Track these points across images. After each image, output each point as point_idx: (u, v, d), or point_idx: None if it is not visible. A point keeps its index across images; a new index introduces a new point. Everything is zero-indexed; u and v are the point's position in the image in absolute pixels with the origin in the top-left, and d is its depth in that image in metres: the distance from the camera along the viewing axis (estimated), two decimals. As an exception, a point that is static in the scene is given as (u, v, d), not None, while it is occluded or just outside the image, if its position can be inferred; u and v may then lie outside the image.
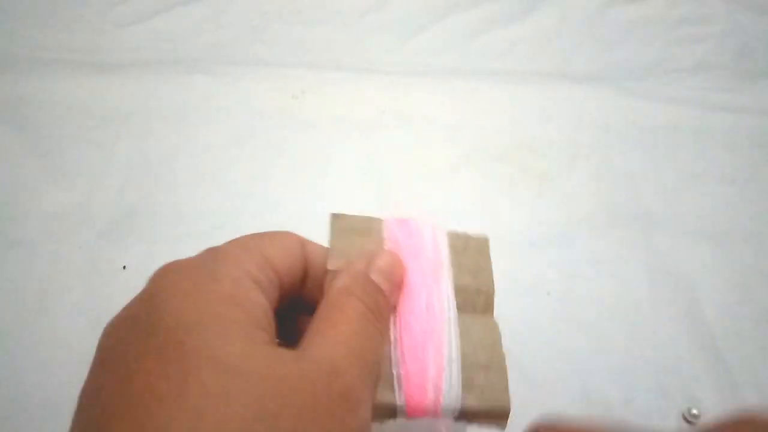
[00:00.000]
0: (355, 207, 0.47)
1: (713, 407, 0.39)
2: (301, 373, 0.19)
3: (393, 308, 0.25)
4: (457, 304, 0.26)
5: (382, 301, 0.24)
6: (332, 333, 0.21)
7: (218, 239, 0.47)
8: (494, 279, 0.27)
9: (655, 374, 0.40)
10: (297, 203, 0.48)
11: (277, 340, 0.22)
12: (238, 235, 0.46)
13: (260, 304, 0.21)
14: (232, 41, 0.60)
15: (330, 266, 0.25)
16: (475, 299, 0.26)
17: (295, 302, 0.26)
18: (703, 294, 0.44)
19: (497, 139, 0.53)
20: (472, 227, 0.47)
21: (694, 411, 0.38)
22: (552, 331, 0.42)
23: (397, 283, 0.25)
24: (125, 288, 0.42)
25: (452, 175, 0.50)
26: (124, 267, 0.43)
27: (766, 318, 0.43)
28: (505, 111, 0.55)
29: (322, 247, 0.26)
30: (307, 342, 0.21)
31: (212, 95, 0.54)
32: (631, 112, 0.55)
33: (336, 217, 0.27)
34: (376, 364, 0.22)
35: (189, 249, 0.48)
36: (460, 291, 0.26)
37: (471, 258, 0.27)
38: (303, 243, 0.26)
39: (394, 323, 0.24)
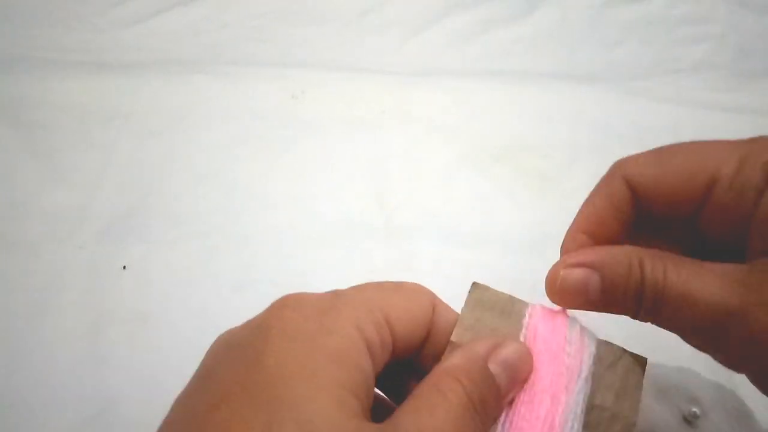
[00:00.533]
0: (355, 207, 0.47)
1: (713, 407, 0.39)
2: None
3: (507, 406, 0.23)
4: (588, 422, 0.23)
5: (491, 396, 0.22)
6: (425, 417, 0.20)
7: (218, 239, 0.47)
8: (639, 408, 0.24)
9: (655, 374, 0.40)
10: (297, 203, 0.48)
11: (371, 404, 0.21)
12: (237, 236, 0.46)
13: (364, 370, 0.20)
14: (232, 41, 0.60)
15: (454, 338, 0.23)
16: (610, 424, 0.23)
17: (410, 363, 0.24)
18: (703, 294, 0.44)
19: (497, 139, 0.53)
20: (472, 227, 0.47)
21: (694, 410, 0.38)
22: (552, 331, 0.42)
23: (519, 380, 0.23)
24: (125, 288, 0.43)
25: (452, 175, 0.50)
26: (124, 267, 0.43)
27: (766, 318, 0.44)
28: (505, 111, 0.55)
29: (454, 313, 0.25)
30: (398, 420, 0.20)
31: (212, 95, 0.54)
32: (631, 112, 0.55)
33: (477, 287, 0.25)
34: None
35: (189, 249, 0.48)
36: (593, 410, 0.23)
37: (618, 377, 0.24)
38: (434, 304, 0.24)
39: (505, 420, 0.22)
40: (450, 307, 0.25)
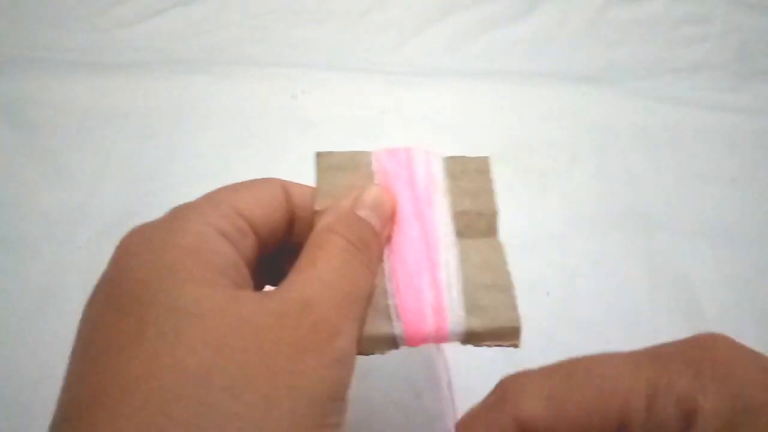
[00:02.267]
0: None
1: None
2: (266, 311, 0.19)
3: (387, 241, 0.25)
4: (459, 230, 0.25)
5: (368, 234, 0.23)
6: (309, 270, 0.21)
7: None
8: (496, 199, 0.26)
9: (655, 374, 0.40)
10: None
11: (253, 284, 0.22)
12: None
13: (224, 254, 0.21)
14: (232, 41, 0.60)
15: (317, 207, 0.25)
16: (476, 222, 0.26)
17: (286, 248, 0.25)
18: (703, 294, 0.44)
19: (497, 139, 0.53)
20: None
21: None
22: (552, 331, 0.42)
23: (387, 215, 0.25)
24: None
25: (452, 175, 0.50)
26: (124, 267, 0.43)
27: (766, 318, 0.44)
28: (505, 111, 0.55)
29: (310, 188, 0.26)
30: (284, 283, 0.20)
31: (212, 95, 0.54)
32: (631, 112, 0.55)
33: (321, 155, 0.27)
34: (360, 297, 0.22)
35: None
36: (460, 216, 0.26)
37: (471, 181, 0.27)
38: (286, 186, 0.25)
39: (388, 256, 0.24)
40: (305, 185, 0.26)
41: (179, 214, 0.22)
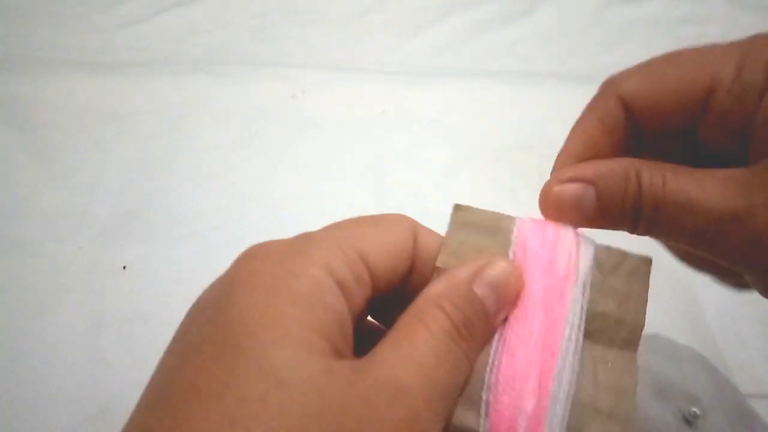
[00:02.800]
0: (355, 206, 0.47)
1: (713, 407, 0.39)
2: (357, 391, 0.18)
3: (499, 326, 0.22)
4: (591, 333, 0.22)
5: (478, 318, 0.21)
6: (405, 348, 0.19)
7: (218, 239, 0.47)
8: (646, 311, 0.22)
9: (655, 374, 0.40)
10: (297, 203, 0.48)
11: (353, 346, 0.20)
12: (237, 236, 0.46)
13: (335, 310, 0.19)
14: (232, 41, 0.60)
15: (438, 263, 0.22)
16: (615, 330, 0.22)
17: (400, 295, 0.23)
18: (703, 294, 0.44)
19: (497, 139, 0.53)
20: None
21: (694, 410, 0.38)
22: (552, 331, 0.42)
23: (508, 299, 0.22)
24: (125, 288, 0.43)
25: (452, 175, 0.50)
26: (124, 267, 0.43)
27: (766, 318, 0.44)
28: (505, 111, 0.55)
29: (439, 237, 0.23)
30: (376, 354, 0.19)
31: (212, 95, 0.54)
32: (631, 112, 0.55)
33: (459, 208, 0.24)
34: (454, 391, 0.20)
35: (189, 249, 0.48)
36: (596, 318, 0.22)
37: (621, 280, 0.23)
38: (416, 232, 0.23)
39: (498, 341, 0.21)
40: (435, 233, 0.24)
41: (305, 248, 0.20)
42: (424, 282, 0.22)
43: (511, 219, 0.24)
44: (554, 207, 0.24)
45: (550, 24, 0.63)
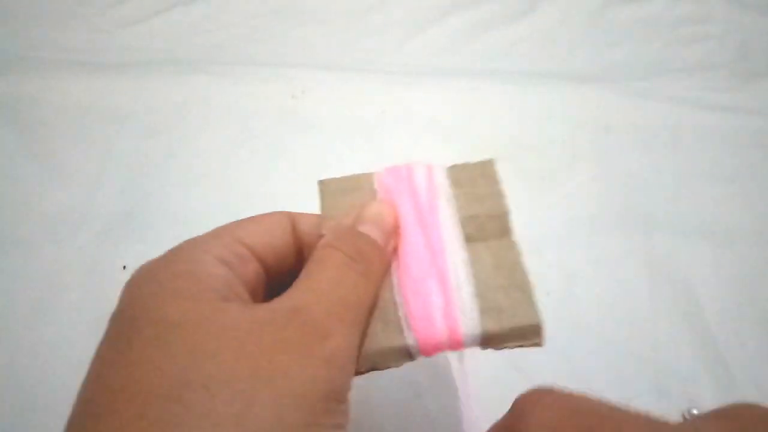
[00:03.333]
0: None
1: (713, 407, 0.39)
2: (250, 317, 0.19)
3: (393, 254, 0.25)
4: (469, 235, 0.25)
5: (368, 247, 0.23)
6: (303, 282, 0.21)
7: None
8: (506, 200, 0.26)
9: (655, 374, 0.40)
10: (297, 203, 0.47)
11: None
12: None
13: (218, 275, 0.21)
14: (233, 41, 0.60)
15: (323, 231, 0.25)
16: (488, 225, 0.25)
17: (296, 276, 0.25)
18: (703, 294, 0.44)
19: (497, 139, 0.53)
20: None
21: (695, 411, 0.38)
22: (552, 331, 0.42)
23: (389, 228, 0.25)
24: (125, 288, 0.42)
25: (452, 175, 0.50)
26: (124, 267, 0.43)
27: (766, 318, 0.43)
28: (505, 111, 0.55)
29: (317, 216, 0.26)
30: (282, 296, 0.21)
31: (212, 95, 0.54)
32: (631, 112, 0.55)
33: (323, 183, 0.27)
34: (356, 303, 0.22)
35: (189, 249, 0.47)
36: (469, 220, 0.25)
37: (477, 186, 0.26)
38: (293, 217, 0.26)
39: (395, 269, 0.24)
40: (311, 214, 0.26)
41: (182, 245, 0.23)
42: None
43: (369, 175, 0.27)
44: None
45: (550, 24, 0.63)
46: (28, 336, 0.39)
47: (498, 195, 0.26)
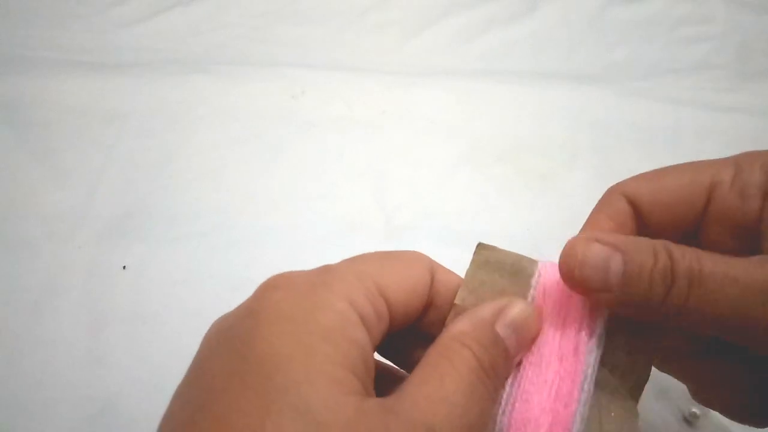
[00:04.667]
0: (355, 207, 0.47)
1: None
2: (370, 424, 0.18)
3: (515, 369, 0.22)
4: (599, 381, 0.22)
5: (501, 358, 0.21)
6: (434, 387, 0.19)
7: (218, 239, 0.47)
8: (651, 365, 0.23)
9: (655, 374, 0.40)
10: (297, 203, 0.48)
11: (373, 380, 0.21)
12: (237, 236, 0.46)
13: (359, 344, 0.20)
14: (232, 41, 0.60)
15: (457, 300, 0.22)
16: (621, 381, 0.22)
17: (414, 330, 0.23)
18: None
19: (497, 139, 0.53)
20: (472, 227, 0.47)
21: (694, 410, 0.38)
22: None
23: (527, 341, 0.22)
24: (125, 288, 0.43)
25: (452, 175, 0.50)
26: (124, 267, 0.43)
27: (766, 318, 0.43)
28: (505, 111, 0.55)
29: (456, 277, 0.24)
30: (405, 392, 0.19)
31: (212, 95, 0.54)
32: (631, 112, 0.55)
33: (481, 247, 0.24)
34: (481, 423, 0.20)
35: (188, 249, 0.48)
36: (606, 366, 0.22)
37: (631, 334, 0.23)
38: (433, 269, 0.24)
39: (512, 384, 0.22)
40: (452, 272, 0.24)
41: (327, 279, 0.21)
42: (441, 319, 0.22)
43: (533, 262, 0.24)
44: (579, 265, 0.22)
45: (550, 24, 0.63)
46: (28, 336, 0.39)
47: (648, 357, 0.23)
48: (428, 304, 0.23)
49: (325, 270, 0.21)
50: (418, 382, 0.19)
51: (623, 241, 0.22)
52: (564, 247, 0.23)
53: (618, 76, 0.59)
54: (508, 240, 0.46)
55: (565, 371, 0.22)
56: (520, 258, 0.24)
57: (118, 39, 0.59)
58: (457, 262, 0.44)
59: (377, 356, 0.23)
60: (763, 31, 0.63)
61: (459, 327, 0.21)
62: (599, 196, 0.49)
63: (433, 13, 0.64)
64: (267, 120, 0.53)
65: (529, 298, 0.23)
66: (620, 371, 0.22)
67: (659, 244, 0.22)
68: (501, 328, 0.21)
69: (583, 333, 0.22)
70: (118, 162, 0.49)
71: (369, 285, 0.21)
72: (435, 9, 0.64)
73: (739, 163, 0.24)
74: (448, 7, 0.64)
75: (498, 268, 0.23)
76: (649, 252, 0.21)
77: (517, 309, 0.22)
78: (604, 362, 0.22)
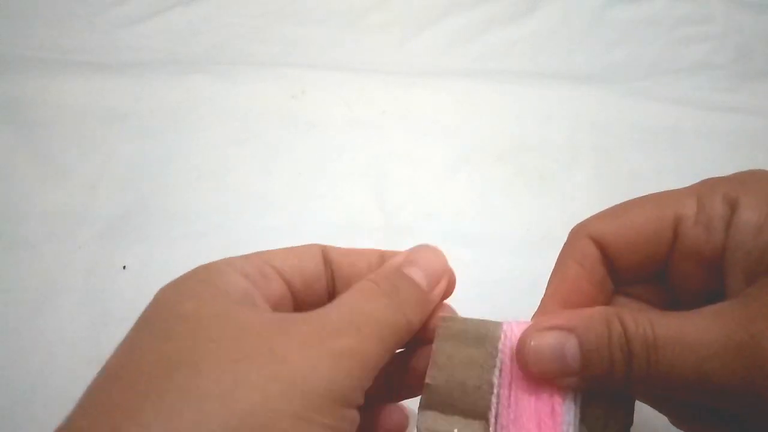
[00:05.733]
0: (355, 207, 0.47)
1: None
2: (263, 317, 0.20)
3: (435, 305, 0.25)
4: (584, 418, 0.22)
5: (405, 286, 0.23)
6: (335, 302, 0.22)
7: (218, 239, 0.47)
8: (633, 410, 0.23)
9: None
10: (297, 203, 0.48)
11: None
12: (237, 237, 0.46)
13: (239, 286, 0.22)
14: (232, 41, 0.60)
15: (428, 379, 0.23)
16: (606, 422, 0.22)
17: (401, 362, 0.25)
18: (703, 294, 0.44)
19: (497, 139, 0.53)
20: (472, 227, 0.47)
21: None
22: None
23: (437, 274, 0.24)
24: (125, 288, 0.43)
25: (452, 175, 0.50)
26: (124, 267, 0.43)
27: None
28: (505, 111, 0.55)
29: (347, 249, 0.26)
30: (318, 310, 0.22)
31: (212, 95, 0.54)
32: (631, 112, 0.55)
33: (444, 320, 0.24)
34: (377, 320, 0.21)
35: (188, 249, 0.48)
36: (585, 419, 0.22)
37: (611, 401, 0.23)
38: (323, 247, 0.26)
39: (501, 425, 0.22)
40: (342, 247, 0.26)
41: (212, 262, 0.24)
42: (350, 282, 0.25)
43: (497, 325, 0.23)
44: (534, 358, 0.22)
45: (550, 24, 0.63)
46: (29, 336, 0.39)
47: (629, 404, 0.23)
48: (332, 276, 0.26)
49: (210, 262, 0.25)
50: (329, 305, 0.22)
51: (575, 319, 0.22)
52: (517, 342, 0.22)
53: (618, 76, 0.59)
54: (509, 240, 0.46)
55: (544, 420, 0.22)
56: (483, 323, 0.24)
57: (118, 39, 0.59)
58: (457, 261, 0.44)
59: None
60: (763, 31, 0.63)
61: (367, 276, 0.24)
62: (599, 196, 0.49)
63: (433, 13, 0.64)
64: (267, 120, 0.53)
65: (497, 363, 0.23)
66: (602, 422, 0.22)
67: (610, 313, 0.21)
68: (407, 270, 0.24)
69: (557, 392, 0.22)
70: (118, 162, 0.49)
71: (252, 257, 0.24)
72: (435, 9, 0.64)
73: (701, 195, 0.24)
74: (448, 7, 0.64)
75: (463, 338, 0.23)
76: (602, 325, 0.21)
77: (420, 251, 0.25)
78: (584, 416, 0.22)
